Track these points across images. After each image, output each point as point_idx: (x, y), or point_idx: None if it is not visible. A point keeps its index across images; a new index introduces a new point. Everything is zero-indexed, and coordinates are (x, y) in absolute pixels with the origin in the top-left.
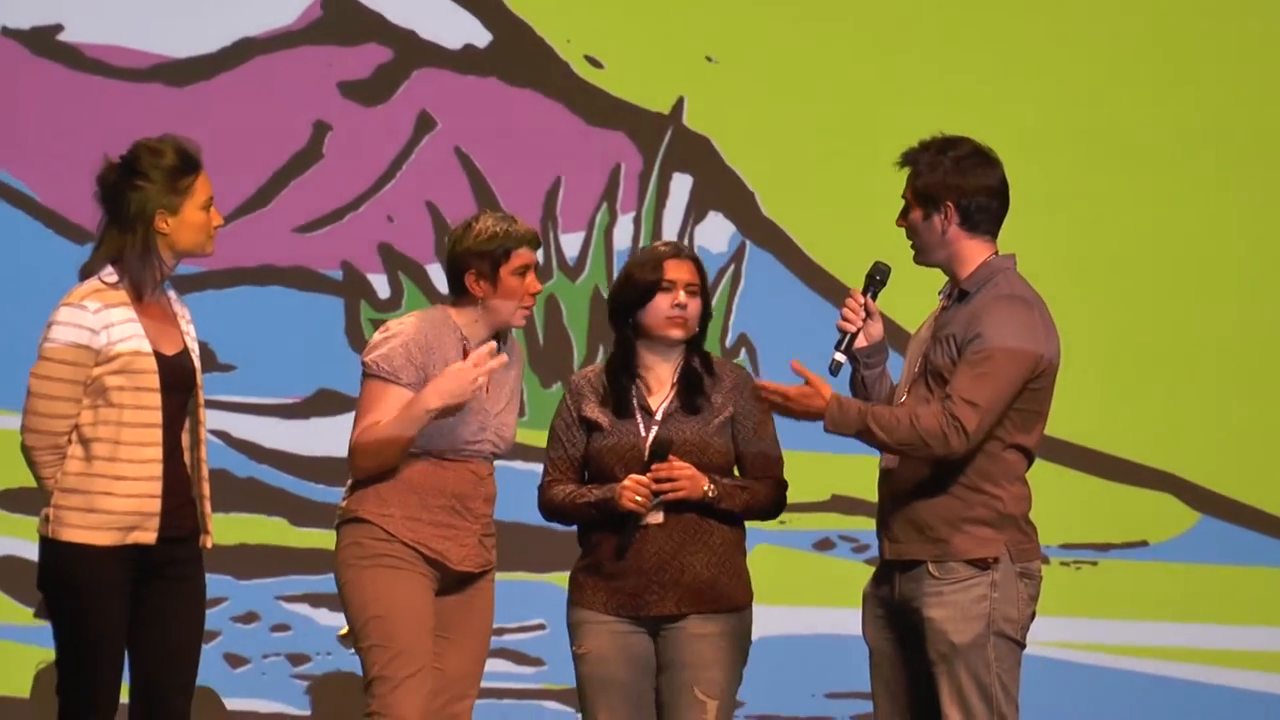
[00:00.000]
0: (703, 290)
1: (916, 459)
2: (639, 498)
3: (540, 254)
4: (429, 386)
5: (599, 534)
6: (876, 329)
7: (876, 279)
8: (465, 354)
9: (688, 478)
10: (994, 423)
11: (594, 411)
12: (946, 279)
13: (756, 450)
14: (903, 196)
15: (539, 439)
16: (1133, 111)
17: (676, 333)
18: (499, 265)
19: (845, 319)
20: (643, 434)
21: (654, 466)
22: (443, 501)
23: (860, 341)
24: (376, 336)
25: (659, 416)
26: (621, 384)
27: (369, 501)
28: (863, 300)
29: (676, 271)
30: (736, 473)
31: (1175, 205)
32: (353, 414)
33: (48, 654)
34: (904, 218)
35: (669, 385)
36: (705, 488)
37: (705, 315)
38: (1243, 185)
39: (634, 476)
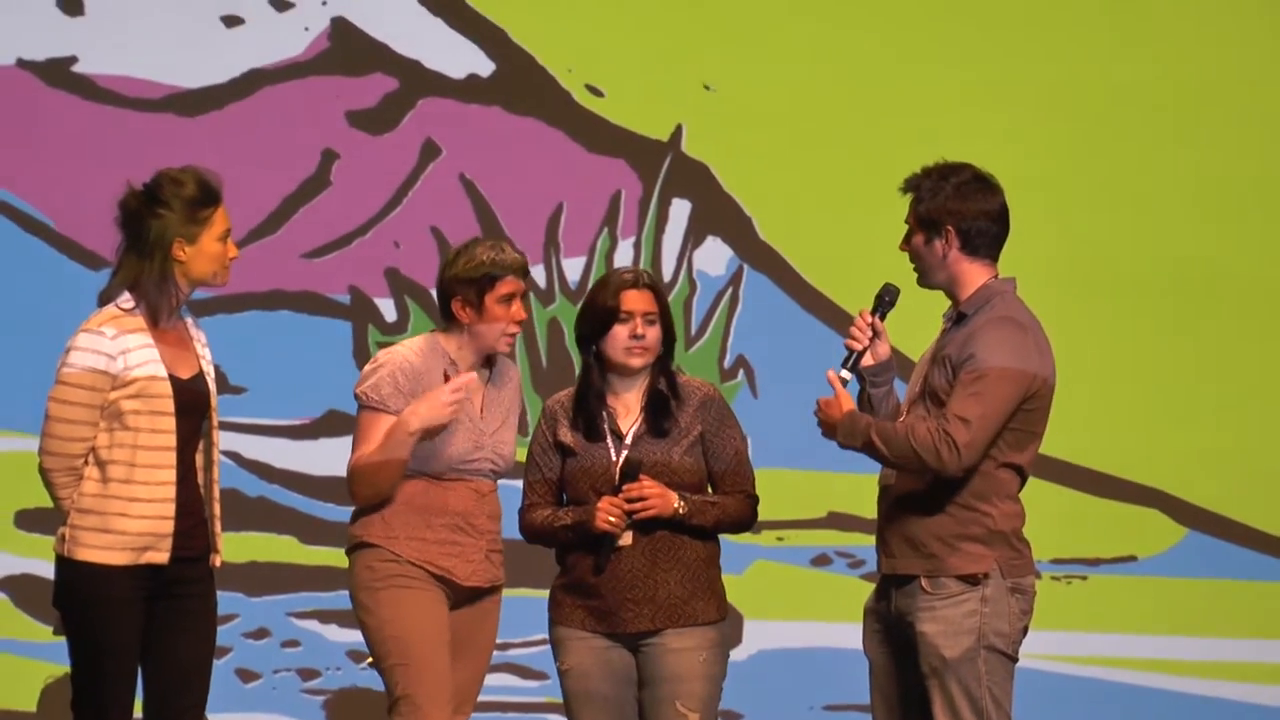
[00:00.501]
0: (663, 317)
1: (912, 476)
2: (612, 518)
3: (543, 278)
4: (407, 410)
5: (575, 553)
6: (884, 349)
7: (885, 300)
8: (448, 379)
9: (657, 496)
10: (988, 440)
11: (567, 436)
12: (950, 303)
13: (726, 465)
14: (905, 221)
15: None
16: (1120, 135)
17: (635, 362)
18: (484, 293)
19: (852, 337)
20: (613, 457)
21: (624, 487)
22: (446, 520)
23: (867, 360)
24: (366, 368)
25: (629, 440)
26: (590, 408)
27: (374, 526)
28: (870, 320)
29: (634, 302)
30: (710, 489)
31: (1164, 226)
32: None
33: (57, 669)
34: (907, 242)
35: (638, 408)
36: (675, 505)
37: (669, 339)
38: (1233, 207)
39: (607, 498)
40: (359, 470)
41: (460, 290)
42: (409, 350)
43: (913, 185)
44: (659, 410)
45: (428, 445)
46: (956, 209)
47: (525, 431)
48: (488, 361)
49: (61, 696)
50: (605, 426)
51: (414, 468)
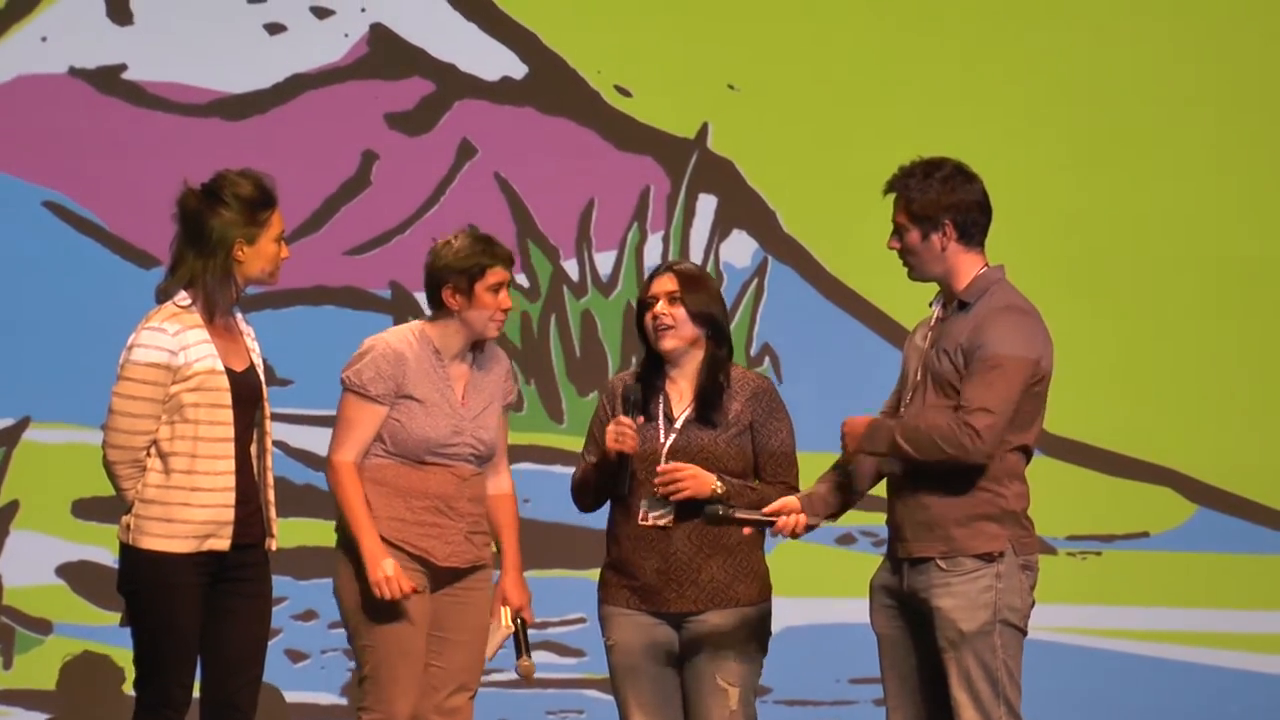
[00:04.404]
0: (695, 295)
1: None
2: (619, 438)
3: (576, 272)
4: (385, 560)
5: (620, 531)
6: (819, 508)
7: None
8: (434, 365)
9: (690, 477)
10: (1007, 425)
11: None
12: (938, 289)
13: (770, 455)
14: (894, 221)
15: (578, 444)
16: (1130, 113)
17: (664, 344)
18: (474, 281)
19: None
20: (662, 439)
21: (659, 469)
22: (426, 503)
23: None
24: (355, 353)
25: (678, 424)
26: (648, 392)
27: None
28: (787, 521)
29: (656, 287)
30: (756, 479)
31: (1170, 205)
32: None
33: (108, 650)
34: (899, 240)
35: (690, 395)
36: (713, 486)
37: (712, 324)
38: (1237, 184)
39: (616, 417)
40: (339, 478)
41: (451, 278)
42: (394, 337)
43: (898, 185)
44: (708, 398)
45: (404, 431)
46: (950, 202)
47: (520, 409)
48: (474, 346)
49: (79, 673)
50: (660, 409)
51: (393, 452)
